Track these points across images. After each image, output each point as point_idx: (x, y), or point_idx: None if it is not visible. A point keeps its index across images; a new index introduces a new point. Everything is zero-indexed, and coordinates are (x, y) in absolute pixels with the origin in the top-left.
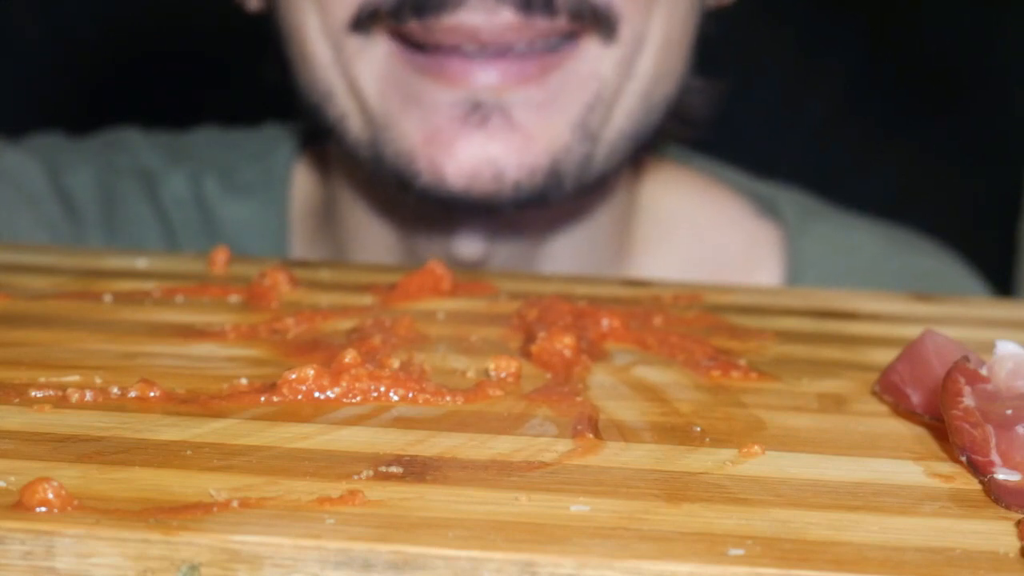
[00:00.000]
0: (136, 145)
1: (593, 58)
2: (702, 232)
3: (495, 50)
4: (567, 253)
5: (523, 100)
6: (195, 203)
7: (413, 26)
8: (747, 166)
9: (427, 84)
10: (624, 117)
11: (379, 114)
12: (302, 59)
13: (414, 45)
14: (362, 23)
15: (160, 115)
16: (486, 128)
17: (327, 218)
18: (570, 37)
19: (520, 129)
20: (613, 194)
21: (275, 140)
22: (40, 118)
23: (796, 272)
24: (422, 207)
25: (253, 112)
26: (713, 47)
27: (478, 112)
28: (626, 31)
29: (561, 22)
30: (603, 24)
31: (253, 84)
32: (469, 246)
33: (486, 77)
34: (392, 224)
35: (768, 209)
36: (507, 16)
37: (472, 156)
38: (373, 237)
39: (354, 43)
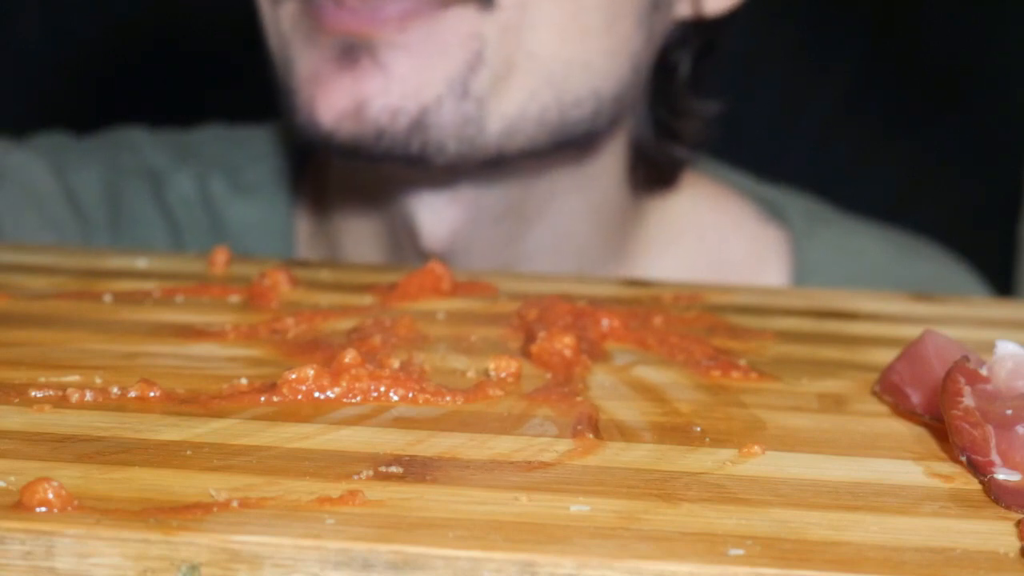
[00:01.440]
0: (142, 144)
1: (471, 19)
2: (708, 236)
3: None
4: (543, 253)
5: (390, 43)
6: (202, 203)
7: None
8: (749, 167)
9: (313, 30)
10: (526, 95)
11: (282, 55)
12: (261, 24)
13: None
14: None
15: (161, 115)
16: (355, 70)
17: (324, 215)
18: (440, 5)
19: (386, 70)
20: (584, 190)
21: (281, 138)
22: (42, 117)
23: (802, 277)
24: (377, 185)
25: (254, 113)
26: (705, 52)
27: (349, 54)
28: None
29: None
30: None
31: (254, 84)
32: (433, 229)
33: (354, 24)
34: (366, 214)
35: (774, 213)
36: None
37: (341, 97)
38: (355, 228)
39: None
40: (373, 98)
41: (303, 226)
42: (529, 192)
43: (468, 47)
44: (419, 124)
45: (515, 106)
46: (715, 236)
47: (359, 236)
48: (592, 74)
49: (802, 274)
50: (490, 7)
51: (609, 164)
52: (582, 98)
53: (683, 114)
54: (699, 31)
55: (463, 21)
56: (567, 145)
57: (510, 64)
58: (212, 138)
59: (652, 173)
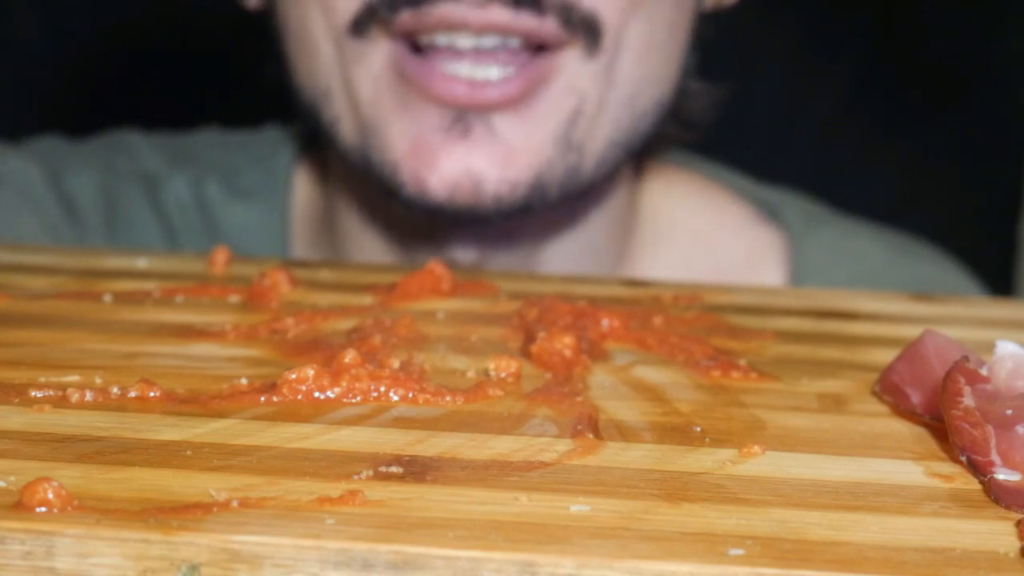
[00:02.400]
0: (137, 148)
1: (573, 72)
2: (704, 237)
3: (480, 58)
4: (564, 259)
5: (506, 111)
6: (197, 207)
7: (406, 17)
8: (748, 167)
9: (414, 97)
10: (610, 124)
11: (369, 120)
12: (305, 57)
13: (410, 45)
14: (361, 24)
15: (160, 115)
16: (468, 139)
17: (327, 222)
18: (554, 48)
19: (503, 143)
20: (610, 198)
21: (277, 142)
22: (40, 119)
23: (799, 278)
24: (413, 216)
25: (253, 113)
26: (715, 49)
27: (461, 123)
28: (608, 40)
29: (549, 24)
30: (589, 33)
31: (253, 84)
32: (463, 254)
33: (470, 96)
34: (386, 231)
35: (771, 214)
36: (496, 10)
37: (454, 168)
38: (369, 242)
39: (354, 46)
40: (490, 171)
41: (301, 230)
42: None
43: (568, 103)
44: (534, 187)
45: (604, 139)
46: (712, 238)
47: (370, 246)
48: (656, 85)
49: (799, 275)
50: (595, 52)
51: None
52: (647, 109)
53: (688, 96)
54: (711, 19)
55: (565, 75)
56: (631, 154)
57: (601, 104)
58: (208, 142)
59: (643, 157)
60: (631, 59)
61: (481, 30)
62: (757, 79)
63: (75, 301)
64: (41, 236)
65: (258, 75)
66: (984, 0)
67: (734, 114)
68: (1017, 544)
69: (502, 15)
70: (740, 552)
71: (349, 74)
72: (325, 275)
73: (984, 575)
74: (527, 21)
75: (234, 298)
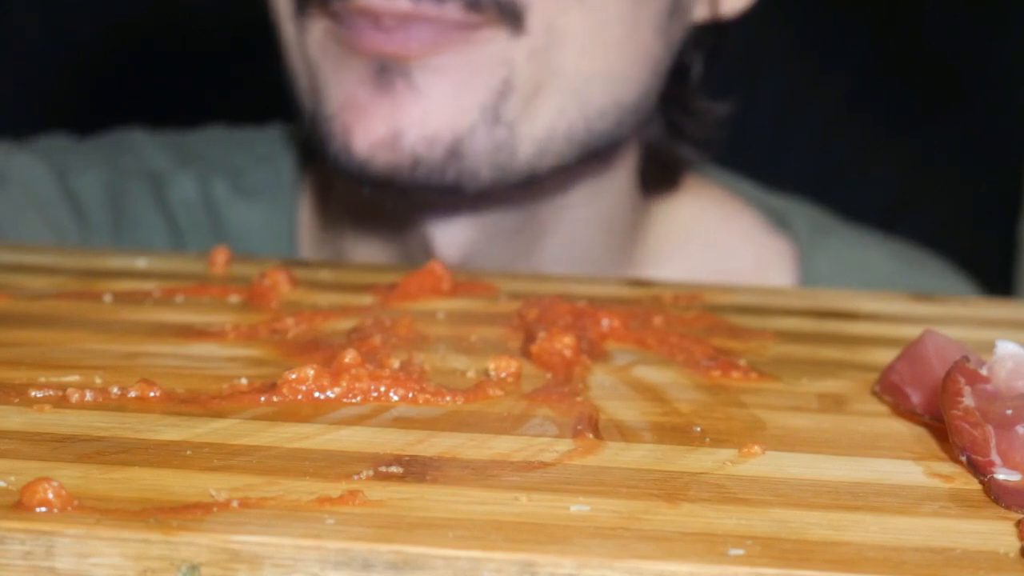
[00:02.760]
0: (143, 146)
1: (502, 46)
2: (713, 245)
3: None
4: (560, 265)
5: (424, 65)
6: (203, 206)
7: (337, 7)
8: (749, 168)
9: (346, 53)
10: (554, 114)
11: (315, 83)
12: (280, 43)
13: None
14: (300, 5)
15: (160, 116)
16: (391, 94)
17: (330, 224)
18: (472, 27)
19: (423, 97)
20: (598, 202)
21: (281, 141)
22: (42, 118)
23: (807, 287)
24: (398, 210)
25: (255, 113)
26: (715, 52)
27: (384, 76)
28: (535, 21)
29: (451, 10)
30: (507, 15)
31: (254, 84)
32: (448, 247)
33: (390, 45)
34: (378, 230)
35: (780, 223)
36: (401, 1)
37: (378, 124)
38: (365, 241)
39: (300, 23)
40: (409, 127)
41: (306, 230)
42: (545, 206)
43: (497, 73)
44: (454, 152)
45: (544, 126)
46: (721, 245)
47: (366, 244)
48: (614, 85)
49: (808, 285)
50: (520, 32)
51: (621, 170)
52: (606, 110)
53: (695, 115)
54: (711, 32)
55: (494, 46)
56: (592, 157)
57: (538, 86)
58: (213, 140)
59: (659, 175)
60: (576, 51)
61: (393, 23)
62: (758, 80)
63: (75, 301)
64: (47, 234)
65: (259, 75)
66: (984, 0)
67: (735, 115)
68: (1017, 544)
69: (403, 3)
70: (740, 552)
71: (303, 47)
72: (325, 275)
73: (984, 575)
74: (427, 8)
75: (234, 298)
